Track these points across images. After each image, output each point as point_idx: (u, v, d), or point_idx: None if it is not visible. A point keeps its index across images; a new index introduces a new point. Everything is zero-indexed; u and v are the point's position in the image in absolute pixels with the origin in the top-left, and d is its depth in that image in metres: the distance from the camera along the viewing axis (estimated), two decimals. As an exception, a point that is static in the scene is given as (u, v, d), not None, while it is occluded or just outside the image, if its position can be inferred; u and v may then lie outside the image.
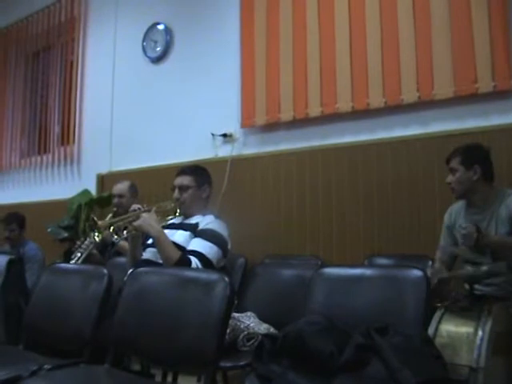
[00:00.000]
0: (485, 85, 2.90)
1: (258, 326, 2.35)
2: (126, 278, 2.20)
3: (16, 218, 4.23)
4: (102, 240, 2.87)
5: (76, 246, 3.47)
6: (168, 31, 4.45)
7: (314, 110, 3.52)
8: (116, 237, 2.69)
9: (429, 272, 2.44)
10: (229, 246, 2.57)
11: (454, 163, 2.47)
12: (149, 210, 2.58)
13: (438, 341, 1.79)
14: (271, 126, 3.76)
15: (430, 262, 2.69)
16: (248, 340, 2.26)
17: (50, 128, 5.53)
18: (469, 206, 2.51)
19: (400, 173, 3.17)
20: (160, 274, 2.12)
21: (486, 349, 1.74)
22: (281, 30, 3.72)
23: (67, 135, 5.27)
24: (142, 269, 2.18)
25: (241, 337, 2.26)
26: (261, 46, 3.81)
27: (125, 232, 2.63)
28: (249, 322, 2.35)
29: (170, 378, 2.56)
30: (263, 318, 2.43)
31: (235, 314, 2.35)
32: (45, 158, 5.49)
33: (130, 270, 2.34)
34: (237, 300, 2.42)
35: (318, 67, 3.52)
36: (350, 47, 3.40)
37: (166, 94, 4.40)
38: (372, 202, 3.26)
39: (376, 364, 1.52)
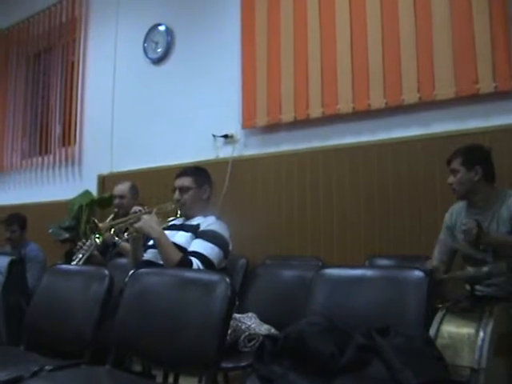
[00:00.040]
0: (486, 85, 2.90)
1: (259, 326, 2.35)
2: (127, 279, 2.20)
3: (17, 218, 4.24)
4: (103, 241, 2.87)
5: (77, 247, 3.48)
6: (169, 32, 4.46)
7: (315, 111, 3.52)
8: (117, 238, 2.69)
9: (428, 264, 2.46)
10: (230, 247, 2.57)
11: (455, 164, 2.48)
12: (149, 212, 2.59)
13: (439, 342, 1.79)
14: (272, 127, 3.76)
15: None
16: (249, 341, 2.26)
17: (51, 129, 5.53)
18: (470, 207, 2.51)
19: (401, 173, 3.17)
20: (161, 275, 2.12)
21: (488, 350, 1.74)
22: (281, 31, 3.72)
23: (68, 136, 5.27)
24: (143, 270, 2.18)
25: (242, 338, 2.26)
26: (261, 46, 3.81)
27: (125, 234, 2.64)
28: (250, 322, 2.35)
29: (171, 379, 2.55)
30: (264, 319, 2.43)
31: (236, 315, 2.35)
32: (46, 158, 5.49)
33: (131, 271, 2.35)
34: (238, 301, 2.42)
35: (318, 68, 3.53)
36: (350, 48, 3.40)
37: (167, 94, 4.40)
38: (373, 203, 3.26)
39: (377, 365, 1.51)
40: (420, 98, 3.11)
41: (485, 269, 2.13)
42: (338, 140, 3.47)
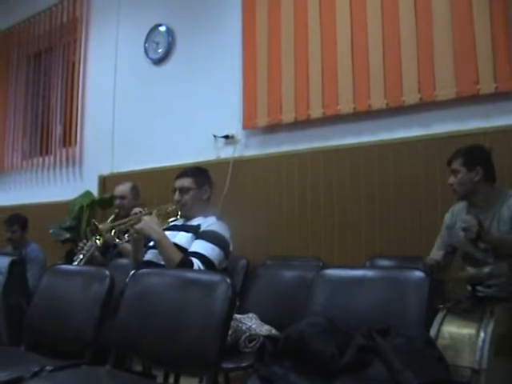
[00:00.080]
0: (486, 86, 2.90)
1: (260, 327, 2.35)
2: (127, 280, 2.20)
3: (18, 219, 4.24)
4: (104, 242, 2.87)
5: (78, 248, 3.48)
6: (170, 33, 4.46)
7: (316, 112, 3.52)
8: (118, 240, 2.69)
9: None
10: (230, 248, 2.57)
11: (456, 164, 2.48)
12: (150, 213, 2.59)
13: (439, 342, 1.79)
14: (273, 128, 3.76)
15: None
16: (250, 341, 2.26)
17: (51, 129, 5.53)
18: (470, 207, 2.51)
19: (402, 174, 3.17)
20: (162, 276, 2.12)
21: (488, 350, 1.74)
22: (282, 31, 3.72)
23: (69, 136, 5.27)
24: (143, 270, 2.18)
25: (243, 338, 2.26)
26: (262, 47, 3.81)
27: (126, 235, 2.64)
28: (250, 323, 2.35)
29: (171, 380, 2.55)
30: (265, 320, 2.43)
31: (237, 316, 2.35)
32: (47, 159, 5.49)
33: (132, 272, 2.35)
34: (238, 301, 2.42)
35: (319, 69, 3.53)
36: (351, 49, 3.40)
37: (168, 95, 4.40)
38: (373, 204, 3.26)
39: (378, 365, 1.51)
40: (421, 99, 3.11)
41: (486, 269, 2.14)
42: (338, 140, 3.47)
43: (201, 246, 2.44)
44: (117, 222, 2.71)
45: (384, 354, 1.52)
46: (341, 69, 3.43)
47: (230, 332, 2.04)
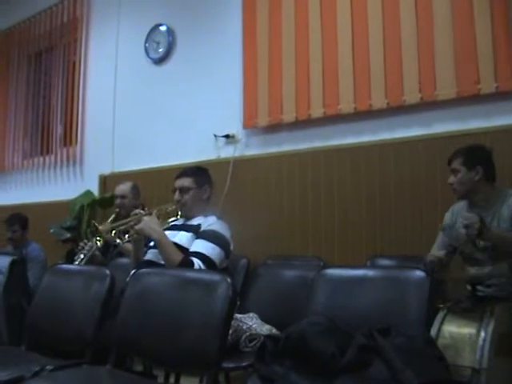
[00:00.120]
0: (487, 86, 2.90)
1: (260, 326, 2.35)
2: (128, 279, 2.20)
3: (19, 218, 4.25)
4: (105, 242, 2.87)
5: (79, 248, 3.48)
6: (170, 32, 4.46)
7: (317, 111, 3.52)
8: (118, 241, 2.70)
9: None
10: (231, 247, 2.57)
11: (456, 164, 2.47)
12: (150, 214, 2.59)
13: (440, 342, 1.79)
14: (273, 127, 3.76)
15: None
16: (250, 341, 2.26)
17: (52, 129, 5.53)
18: (470, 207, 2.50)
19: (402, 174, 3.17)
20: (162, 275, 2.12)
21: (489, 350, 1.74)
22: (283, 31, 3.72)
23: (70, 136, 5.27)
24: (144, 270, 2.18)
25: (243, 338, 2.26)
26: (263, 47, 3.81)
27: (127, 236, 2.64)
28: (251, 322, 2.36)
29: (172, 379, 2.56)
30: (265, 319, 2.44)
31: (237, 315, 2.36)
32: (47, 158, 5.49)
33: (133, 271, 2.35)
34: (239, 301, 2.42)
35: (320, 68, 3.52)
36: (352, 49, 3.40)
37: (169, 95, 4.40)
38: (374, 203, 3.26)
39: (378, 365, 1.52)
40: (421, 99, 3.11)
41: (486, 269, 2.14)
42: (339, 140, 3.46)
43: (201, 246, 2.44)
44: (117, 223, 2.72)
45: (385, 353, 1.52)
46: (342, 69, 3.42)
47: (230, 331, 2.05)
